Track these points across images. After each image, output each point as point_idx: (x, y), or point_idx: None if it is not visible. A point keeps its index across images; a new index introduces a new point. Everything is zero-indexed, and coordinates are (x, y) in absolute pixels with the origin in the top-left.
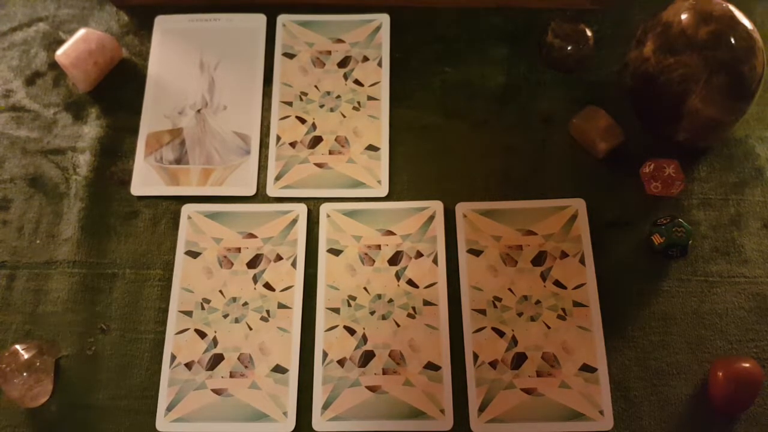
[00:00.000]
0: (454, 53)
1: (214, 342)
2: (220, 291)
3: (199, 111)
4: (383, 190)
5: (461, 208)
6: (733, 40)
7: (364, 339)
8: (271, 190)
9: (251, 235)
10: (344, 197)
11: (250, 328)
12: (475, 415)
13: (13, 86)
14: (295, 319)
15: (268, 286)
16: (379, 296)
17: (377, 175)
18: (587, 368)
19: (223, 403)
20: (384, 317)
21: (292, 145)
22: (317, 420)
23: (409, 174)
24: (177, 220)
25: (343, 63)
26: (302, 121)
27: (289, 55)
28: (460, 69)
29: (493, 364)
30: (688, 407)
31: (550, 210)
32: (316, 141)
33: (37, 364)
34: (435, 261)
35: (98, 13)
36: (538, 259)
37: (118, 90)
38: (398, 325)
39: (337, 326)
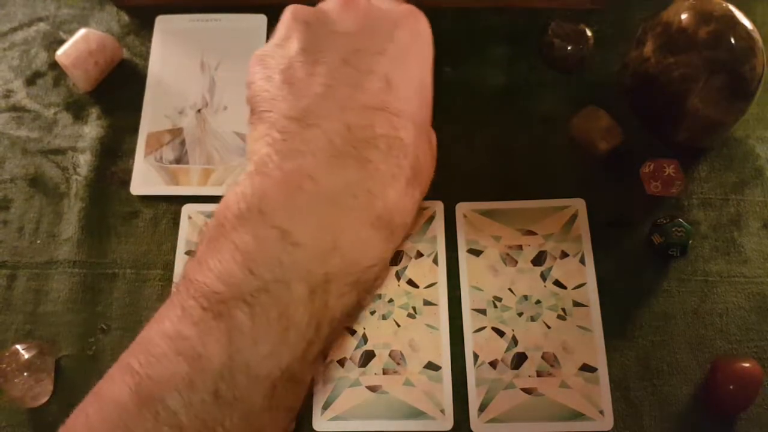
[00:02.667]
0: (454, 53)
1: None
2: None
3: (199, 111)
4: None
5: (461, 208)
6: (733, 40)
7: (364, 339)
8: None
9: None
10: None
11: None
12: (475, 415)
13: (13, 86)
14: None
15: None
16: (380, 296)
17: None
18: (587, 368)
19: None
20: (384, 317)
21: None
22: (317, 420)
23: None
24: (177, 220)
25: None
26: None
27: None
28: (460, 69)
29: (493, 364)
30: (688, 407)
31: (550, 210)
32: None
33: (38, 363)
34: (435, 261)
35: (98, 13)
36: (538, 259)
37: (119, 90)
38: (398, 325)
39: None
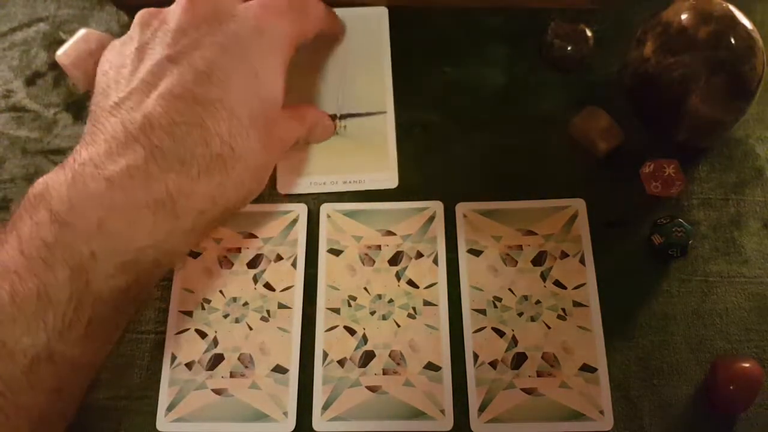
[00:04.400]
0: (454, 53)
1: (215, 342)
2: (221, 291)
3: None
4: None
5: (461, 208)
6: (733, 40)
7: (364, 339)
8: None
9: (251, 235)
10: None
11: (250, 328)
12: (475, 415)
13: (13, 86)
14: (295, 319)
15: (268, 286)
16: (380, 296)
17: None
18: (587, 368)
19: (223, 403)
20: (384, 317)
21: None
22: (317, 420)
23: (410, 174)
24: None
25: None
26: None
27: None
28: (460, 69)
29: (493, 364)
30: (688, 407)
31: (550, 210)
32: None
33: None
34: (435, 261)
35: (98, 13)
36: (538, 259)
37: None
38: (398, 326)
39: (337, 326)
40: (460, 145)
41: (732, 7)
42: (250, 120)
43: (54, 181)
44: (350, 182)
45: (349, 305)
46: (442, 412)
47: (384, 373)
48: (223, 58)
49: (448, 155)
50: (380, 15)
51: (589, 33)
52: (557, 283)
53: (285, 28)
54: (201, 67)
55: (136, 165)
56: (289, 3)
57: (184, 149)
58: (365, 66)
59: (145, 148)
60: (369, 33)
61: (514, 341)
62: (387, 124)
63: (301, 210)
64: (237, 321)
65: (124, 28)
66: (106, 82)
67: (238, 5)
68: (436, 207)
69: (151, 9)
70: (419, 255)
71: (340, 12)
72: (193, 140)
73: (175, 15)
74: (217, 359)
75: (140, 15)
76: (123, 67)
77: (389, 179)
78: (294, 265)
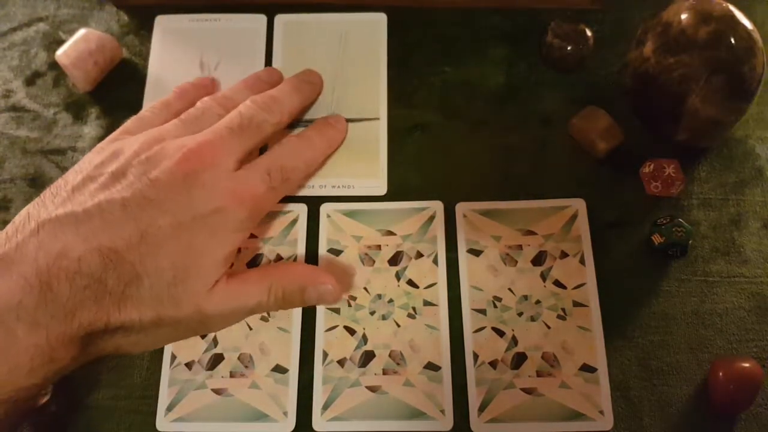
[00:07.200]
0: (454, 53)
1: (215, 342)
2: None
3: None
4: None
5: (461, 208)
6: (733, 40)
7: (364, 339)
8: None
9: (252, 236)
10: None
11: (250, 328)
12: (475, 415)
13: (13, 86)
14: (295, 319)
15: None
16: (379, 296)
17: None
18: (587, 368)
19: (223, 403)
20: (384, 317)
21: None
22: (317, 420)
23: (409, 174)
24: None
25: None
26: None
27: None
28: (460, 69)
29: (493, 364)
30: (688, 407)
31: (550, 210)
32: None
33: None
34: (435, 261)
35: (98, 13)
36: (538, 259)
37: (118, 90)
38: (398, 326)
39: (337, 326)
40: (459, 145)
41: (732, 7)
42: (156, 297)
43: None
44: (340, 187)
45: (349, 305)
46: (442, 412)
47: (384, 373)
48: (167, 229)
49: (448, 155)
50: (379, 21)
51: (589, 33)
52: (557, 283)
53: (244, 216)
54: (143, 227)
55: (27, 306)
56: (267, 188)
57: (76, 297)
58: (361, 72)
59: (41, 288)
60: (367, 39)
61: (514, 341)
62: (379, 131)
63: (301, 210)
64: None
65: (124, 28)
66: (62, 181)
67: (219, 174)
68: (436, 207)
69: (153, 136)
70: (419, 255)
71: (339, 17)
72: (86, 293)
73: (163, 166)
74: (217, 359)
75: (143, 142)
76: (89, 179)
77: (378, 186)
78: None
